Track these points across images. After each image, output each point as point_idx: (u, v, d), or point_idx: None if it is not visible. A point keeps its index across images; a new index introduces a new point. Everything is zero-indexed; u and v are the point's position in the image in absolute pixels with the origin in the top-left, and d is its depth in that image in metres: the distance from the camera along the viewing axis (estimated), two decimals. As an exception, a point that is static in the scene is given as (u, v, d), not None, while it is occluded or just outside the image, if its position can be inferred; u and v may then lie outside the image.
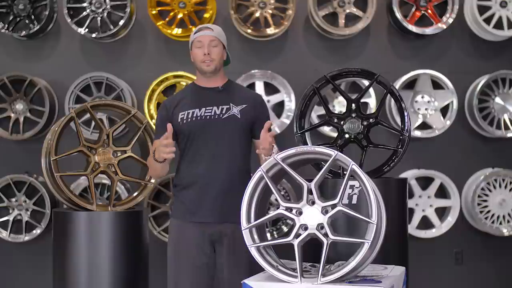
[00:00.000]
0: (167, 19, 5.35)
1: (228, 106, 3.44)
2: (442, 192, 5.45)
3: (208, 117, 3.42)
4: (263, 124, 3.34)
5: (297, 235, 2.76)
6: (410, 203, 5.30)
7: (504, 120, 5.40)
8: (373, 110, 5.19)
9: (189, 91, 3.55)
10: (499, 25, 5.39)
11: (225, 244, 3.42)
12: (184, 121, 3.43)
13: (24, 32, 5.34)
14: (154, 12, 5.31)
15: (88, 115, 4.29)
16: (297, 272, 2.72)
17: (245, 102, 3.47)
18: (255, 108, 3.49)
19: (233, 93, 3.50)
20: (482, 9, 5.40)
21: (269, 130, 3.26)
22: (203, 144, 3.40)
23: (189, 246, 3.44)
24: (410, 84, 5.40)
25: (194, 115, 3.43)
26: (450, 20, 5.34)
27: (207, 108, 3.43)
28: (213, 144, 3.40)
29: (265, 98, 5.31)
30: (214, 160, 3.40)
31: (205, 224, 3.42)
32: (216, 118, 3.42)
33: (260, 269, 2.88)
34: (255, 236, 2.85)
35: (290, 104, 5.29)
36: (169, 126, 3.25)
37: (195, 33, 3.51)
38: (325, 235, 2.72)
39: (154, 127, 5.12)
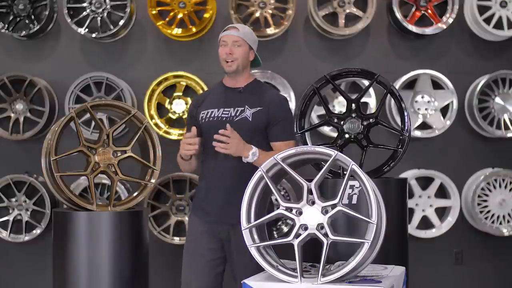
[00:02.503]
0: (167, 19, 5.35)
1: (242, 108, 3.47)
2: (442, 192, 5.44)
3: (223, 118, 3.47)
4: (274, 126, 3.44)
5: (297, 235, 2.76)
6: (410, 203, 5.30)
7: (504, 120, 5.40)
8: (373, 110, 5.19)
9: (215, 90, 3.62)
10: (499, 25, 5.39)
11: (233, 244, 3.45)
12: (203, 120, 3.51)
13: (24, 32, 5.34)
14: (154, 12, 5.31)
15: (88, 115, 4.29)
16: (297, 272, 2.72)
17: (260, 105, 3.47)
18: (269, 110, 3.47)
19: (252, 95, 3.51)
20: (482, 9, 5.40)
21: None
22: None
23: (198, 242, 3.51)
24: (410, 84, 5.40)
25: (212, 115, 3.49)
26: (450, 20, 5.34)
27: (225, 109, 3.49)
28: None
29: (265, 98, 5.32)
30: (225, 160, 3.43)
31: (215, 224, 3.48)
32: (230, 119, 3.46)
33: (258, 269, 2.88)
34: (255, 236, 2.85)
35: (290, 104, 5.29)
36: (194, 128, 3.39)
37: (222, 32, 3.55)
38: (325, 235, 2.73)
39: (154, 127, 5.16)
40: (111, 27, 5.30)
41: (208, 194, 3.51)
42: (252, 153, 3.34)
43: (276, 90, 3.61)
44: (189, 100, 5.35)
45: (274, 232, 5.21)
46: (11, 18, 5.36)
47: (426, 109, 5.38)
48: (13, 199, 5.36)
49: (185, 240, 3.64)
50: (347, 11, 5.37)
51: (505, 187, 5.39)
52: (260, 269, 2.92)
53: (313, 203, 2.76)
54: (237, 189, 3.38)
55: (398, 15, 5.32)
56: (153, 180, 3.94)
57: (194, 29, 5.34)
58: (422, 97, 5.39)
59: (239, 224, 3.30)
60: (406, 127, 3.79)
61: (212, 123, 3.47)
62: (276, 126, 3.45)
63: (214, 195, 3.48)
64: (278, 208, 2.82)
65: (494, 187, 5.38)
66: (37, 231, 5.30)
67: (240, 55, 3.47)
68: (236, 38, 3.47)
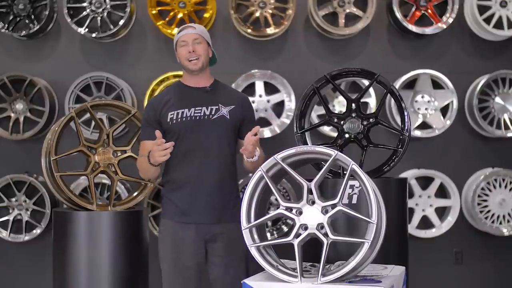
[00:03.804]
0: (167, 19, 5.35)
1: (217, 107, 3.46)
2: (442, 192, 5.44)
3: (198, 117, 3.43)
4: (249, 124, 3.45)
5: (297, 235, 2.76)
6: (410, 203, 5.30)
7: (504, 120, 5.40)
8: (373, 110, 5.19)
9: (175, 91, 3.55)
10: (499, 25, 5.39)
11: (220, 244, 3.42)
12: (174, 121, 3.44)
13: (24, 32, 5.34)
14: (154, 12, 5.31)
15: (88, 115, 4.29)
16: (297, 272, 2.72)
17: (233, 103, 3.50)
18: (242, 109, 3.53)
19: (221, 94, 3.53)
20: (482, 9, 5.40)
21: (255, 135, 3.27)
22: (193, 144, 3.42)
23: (181, 247, 3.41)
24: (410, 84, 5.40)
25: (184, 115, 3.44)
26: (450, 20, 5.34)
27: (196, 108, 3.45)
28: (204, 144, 3.42)
29: (265, 98, 5.33)
30: (205, 159, 3.42)
31: (199, 225, 3.41)
32: (206, 118, 3.44)
33: (258, 268, 2.88)
34: (255, 236, 2.85)
35: (290, 104, 5.29)
36: (158, 133, 3.24)
37: (178, 33, 3.54)
38: (325, 235, 2.73)
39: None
40: (111, 27, 5.30)
41: (194, 198, 3.41)
42: (257, 153, 3.32)
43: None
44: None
45: (274, 232, 5.21)
46: (11, 18, 5.36)
47: (426, 109, 5.38)
48: (13, 199, 5.36)
49: (159, 248, 3.48)
50: (347, 11, 5.37)
51: (505, 187, 5.39)
52: (249, 269, 2.92)
53: (313, 203, 2.77)
54: (220, 187, 3.40)
55: (398, 15, 5.32)
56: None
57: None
58: (422, 97, 5.39)
59: (229, 223, 3.32)
60: (406, 127, 3.79)
61: (186, 123, 3.43)
62: (250, 124, 3.46)
63: (202, 198, 3.41)
64: (278, 208, 2.82)
65: (494, 187, 5.38)
66: (37, 231, 5.29)
67: (202, 52, 3.48)
68: (195, 36, 3.48)
